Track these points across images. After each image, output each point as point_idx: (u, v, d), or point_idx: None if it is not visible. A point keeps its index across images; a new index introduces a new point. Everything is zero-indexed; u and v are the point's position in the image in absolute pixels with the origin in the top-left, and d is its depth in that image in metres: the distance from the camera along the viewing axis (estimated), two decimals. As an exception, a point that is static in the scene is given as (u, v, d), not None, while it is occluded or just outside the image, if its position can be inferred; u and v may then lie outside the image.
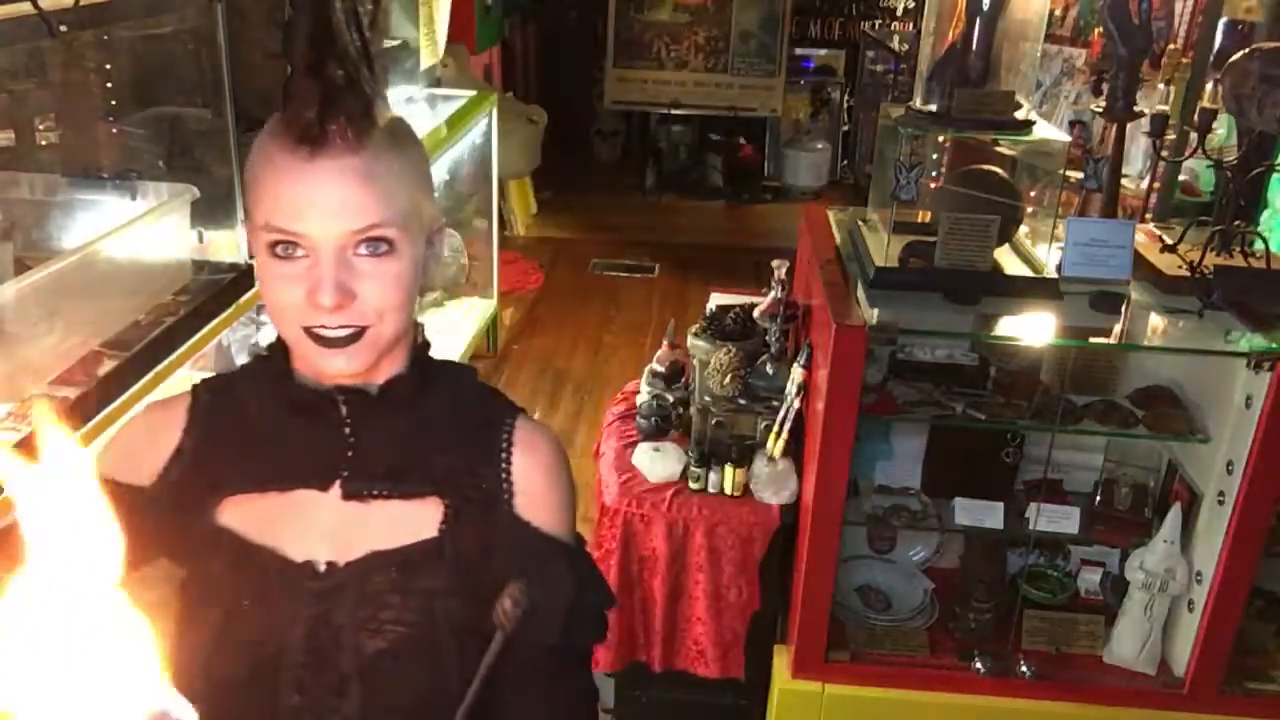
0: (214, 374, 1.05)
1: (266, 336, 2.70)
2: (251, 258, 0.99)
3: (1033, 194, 2.36)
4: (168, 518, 0.95)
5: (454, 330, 4.17)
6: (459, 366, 1.04)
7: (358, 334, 0.88)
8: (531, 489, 0.98)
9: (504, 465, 0.97)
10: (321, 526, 0.93)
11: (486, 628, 0.87)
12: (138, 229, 1.78)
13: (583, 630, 1.00)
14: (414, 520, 0.94)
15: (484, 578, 0.93)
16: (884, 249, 2.18)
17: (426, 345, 1.00)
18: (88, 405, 1.57)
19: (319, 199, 0.84)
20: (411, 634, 0.92)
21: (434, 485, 0.95)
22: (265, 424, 0.96)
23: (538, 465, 0.99)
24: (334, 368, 0.89)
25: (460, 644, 0.93)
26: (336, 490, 0.94)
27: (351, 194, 0.85)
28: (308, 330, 0.87)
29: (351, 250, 0.86)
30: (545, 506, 0.98)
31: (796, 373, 2.28)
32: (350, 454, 0.94)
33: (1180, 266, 2.14)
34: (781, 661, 2.27)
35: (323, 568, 0.93)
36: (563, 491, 1.01)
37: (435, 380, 0.99)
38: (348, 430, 0.94)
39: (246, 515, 0.94)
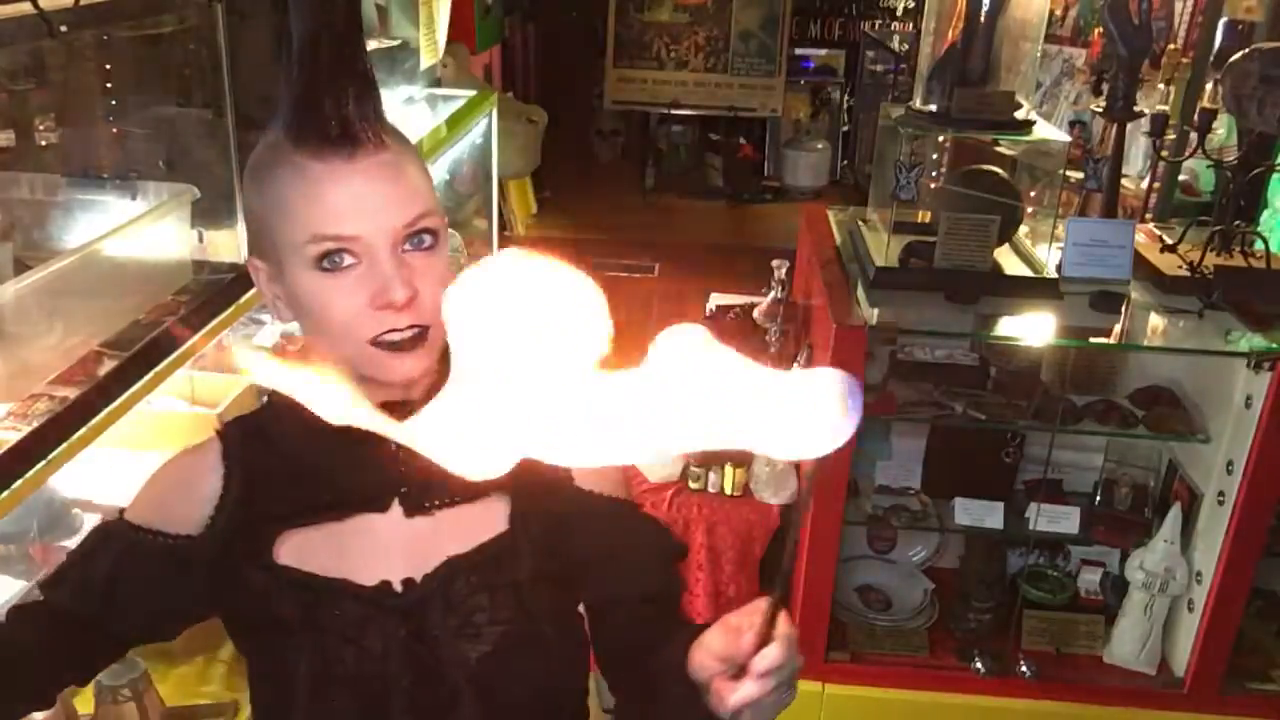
0: (235, 419, 1.01)
1: (270, 337, 2.70)
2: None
3: (1033, 194, 2.36)
4: (223, 566, 0.93)
5: (454, 330, 4.16)
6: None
7: (422, 334, 0.85)
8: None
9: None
10: (389, 547, 0.91)
11: (587, 605, 0.95)
12: (138, 229, 1.78)
13: (676, 573, 1.05)
14: (482, 519, 0.94)
15: (564, 559, 0.95)
16: (884, 249, 2.18)
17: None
18: (88, 405, 1.57)
19: (368, 198, 0.82)
20: (511, 630, 0.92)
21: (494, 481, 0.94)
22: (309, 455, 0.92)
23: None
24: (402, 372, 0.85)
25: (559, 629, 0.95)
26: (397, 509, 0.92)
27: (395, 188, 0.83)
28: (375, 340, 0.83)
29: (401, 247, 0.84)
30: (602, 473, 1.00)
31: (796, 373, 2.28)
32: (403, 470, 0.91)
33: (1180, 266, 2.14)
34: (781, 661, 2.27)
35: (399, 587, 0.91)
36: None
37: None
38: (395, 446, 0.89)
39: (306, 550, 0.92)
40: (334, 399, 0.84)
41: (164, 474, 1.00)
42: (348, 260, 0.82)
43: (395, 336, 0.83)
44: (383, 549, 0.91)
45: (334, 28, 0.81)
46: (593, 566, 0.98)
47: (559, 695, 0.97)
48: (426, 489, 0.92)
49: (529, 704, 0.94)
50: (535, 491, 0.95)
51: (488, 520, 0.94)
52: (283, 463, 0.94)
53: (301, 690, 0.88)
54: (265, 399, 1.00)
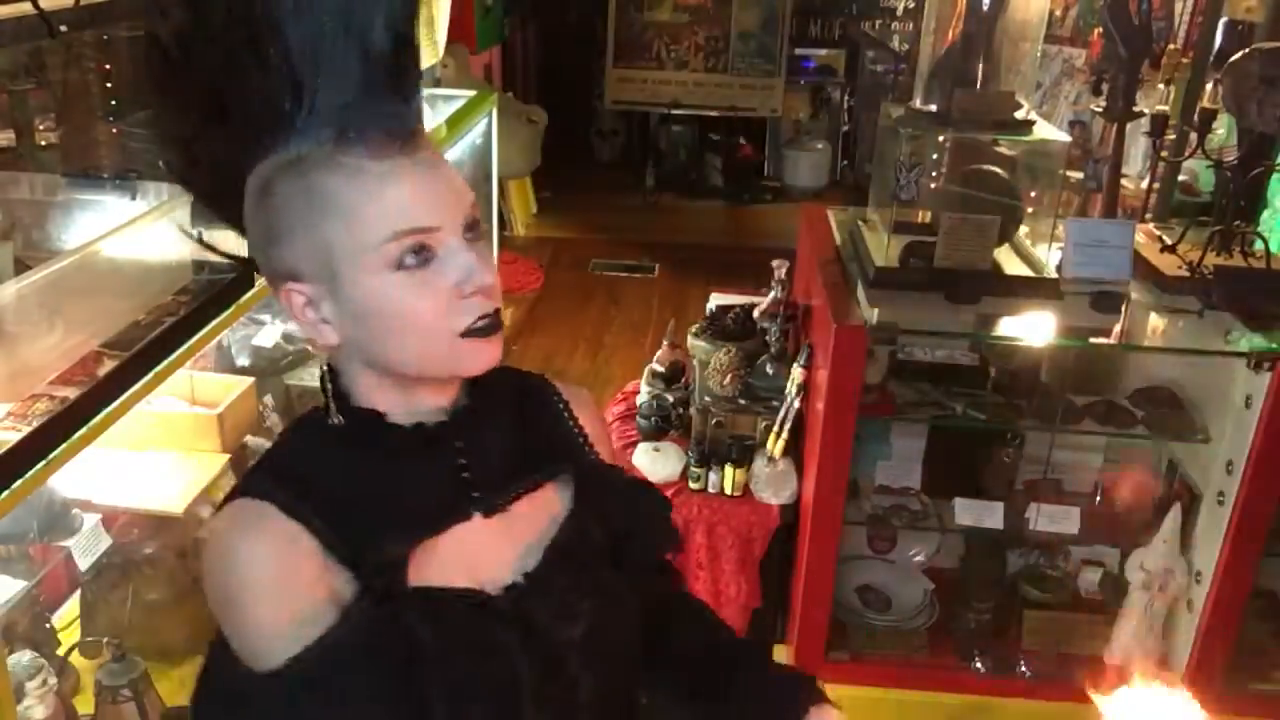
0: (250, 475, 0.89)
1: (270, 337, 2.70)
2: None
3: (1033, 194, 2.36)
4: (368, 621, 0.82)
5: (454, 330, 4.17)
6: None
7: (498, 320, 0.84)
8: (596, 434, 1.03)
9: (573, 424, 1.01)
10: (480, 552, 0.90)
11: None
12: (138, 229, 1.78)
13: (676, 535, 1.10)
14: (547, 502, 0.95)
15: (607, 529, 0.98)
16: (884, 249, 2.18)
17: None
18: (88, 405, 1.57)
19: (437, 188, 0.81)
20: (598, 601, 0.93)
21: (548, 464, 0.96)
22: (366, 484, 0.86)
23: (591, 413, 1.04)
24: (489, 358, 0.84)
25: (626, 586, 0.97)
26: (476, 515, 0.90)
27: (453, 176, 0.83)
28: (468, 330, 0.82)
29: (465, 236, 0.83)
30: (606, 444, 1.04)
31: (796, 373, 2.28)
32: (467, 474, 0.90)
33: (1180, 266, 2.14)
34: (782, 661, 2.27)
35: (505, 590, 0.89)
36: (607, 428, 1.08)
37: (479, 376, 0.93)
38: (456, 454, 0.89)
39: (422, 568, 0.86)
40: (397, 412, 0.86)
41: (252, 573, 0.81)
42: (425, 256, 0.80)
43: (483, 323, 0.82)
44: (477, 556, 0.90)
45: (394, 19, 0.80)
46: (621, 535, 1.00)
47: (639, 641, 1.01)
48: (495, 488, 0.91)
49: (628, 665, 0.98)
50: (579, 467, 0.98)
51: (552, 502, 0.96)
52: (347, 498, 0.85)
53: (438, 714, 0.82)
54: (287, 431, 0.92)
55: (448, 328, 0.82)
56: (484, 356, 0.84)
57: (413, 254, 0.80)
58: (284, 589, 0.81)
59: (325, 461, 0.88)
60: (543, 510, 0.95)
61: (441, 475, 0.89)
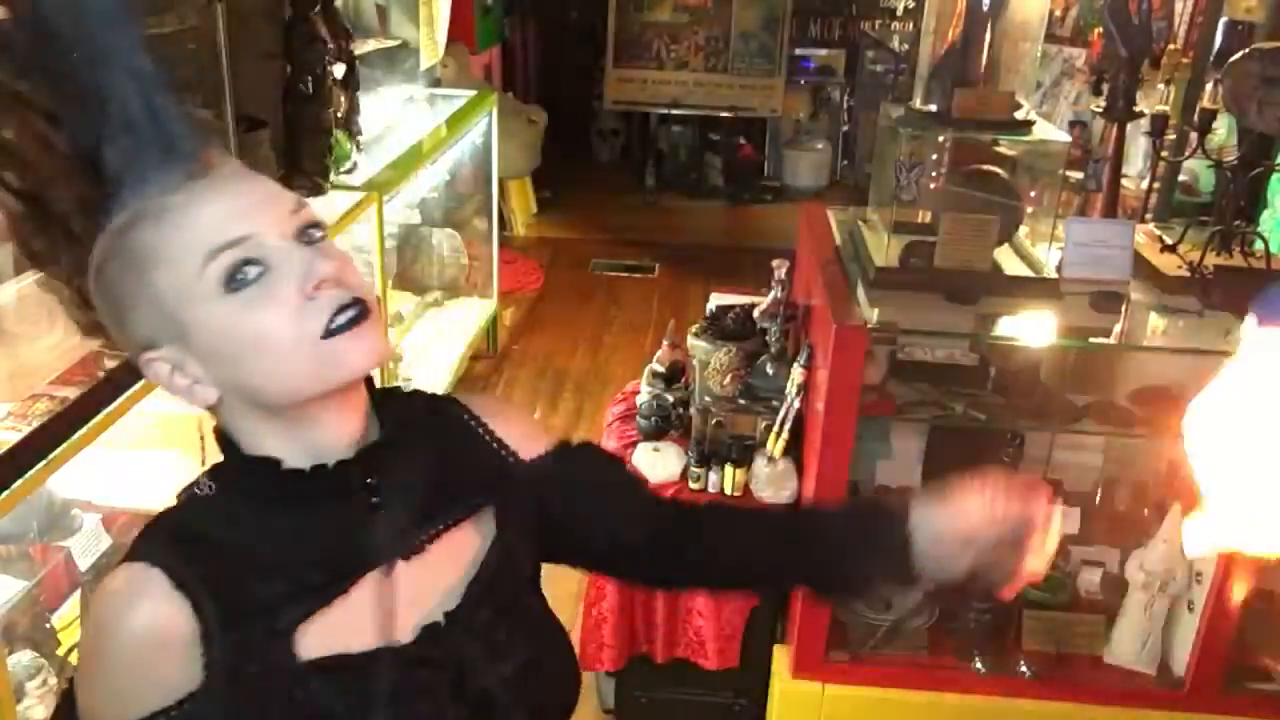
0: (147, 535, 0.84)
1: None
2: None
3: (1033, 194, 2.36)
4: (245, 700, 0.80)
5: (454, 330, 4.17)
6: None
7: (364, 308, 0.78)
8: (519, 434, 0.99)
9: (490, 440, 0.97)
10: (401, 597, 0.85)
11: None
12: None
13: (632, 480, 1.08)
14: (471, 535, 0.91)
15: (549, 532, 0.96)
16: (884, 249, 2.18)
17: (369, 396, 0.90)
18: (88, 405, 1.57)
19: (242, 198, 0.78)
20: (527, 634, 0.91)
21: (467, 497, 0.92)
22: (274, 539, 0.82)
23: (508, 415, 1.00)
24: (363, 355, 0.78)
25: (549, 611, 0.96)
26: (391, 558, 0.85)
27: (262, 184, 0.80)
28: (329, 330, 0.76)
29: (299, 239, 0.79)
30: (535, 437, 1.00)
31: (796, 373, 2.28)
32: (384, 513, 0.85)
33: (1180, 266, 2.14)
34: (781, 661, 2.27)
35: (429, 634, 0.86)
36: (531, 420, 1.05)
37: (385, 405, 0.90)
38: (367, 492, 0.84)
39: (328, 635, 0.82)
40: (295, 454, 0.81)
41: (114, 645, 0.79)
42: (255, 270, 0.75)
43: (343, 316, 0.77)
44: (399, 601, 0.85)
45: (132, 65, 0.76)
46: (579, 519, 0.99)
47: (576, 674, 0.98)
48: (413, 526, 0.87)
49: (564, 693, 0.95)
50: (510, 485, 0.95)
51: (476, 535, 0.91)
52: (248, 559, 0.81)
53: None
54: (182, 495, 0.86)
55: (305, 334, 0.76)
56: (356, 352, 0.78)
57: (240, 270, 0.75)
58: (145, 670, 0.78)
59: (223, 519, 0.83)
60: (464, 544, 0.90)
61: (351, 520, 0.84)
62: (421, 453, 0.89)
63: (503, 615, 0.89)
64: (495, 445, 0.97)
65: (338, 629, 0.82)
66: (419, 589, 0.86)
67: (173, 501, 0.86)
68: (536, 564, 0.98)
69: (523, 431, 0.99)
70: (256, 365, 0.77)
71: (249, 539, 0.82)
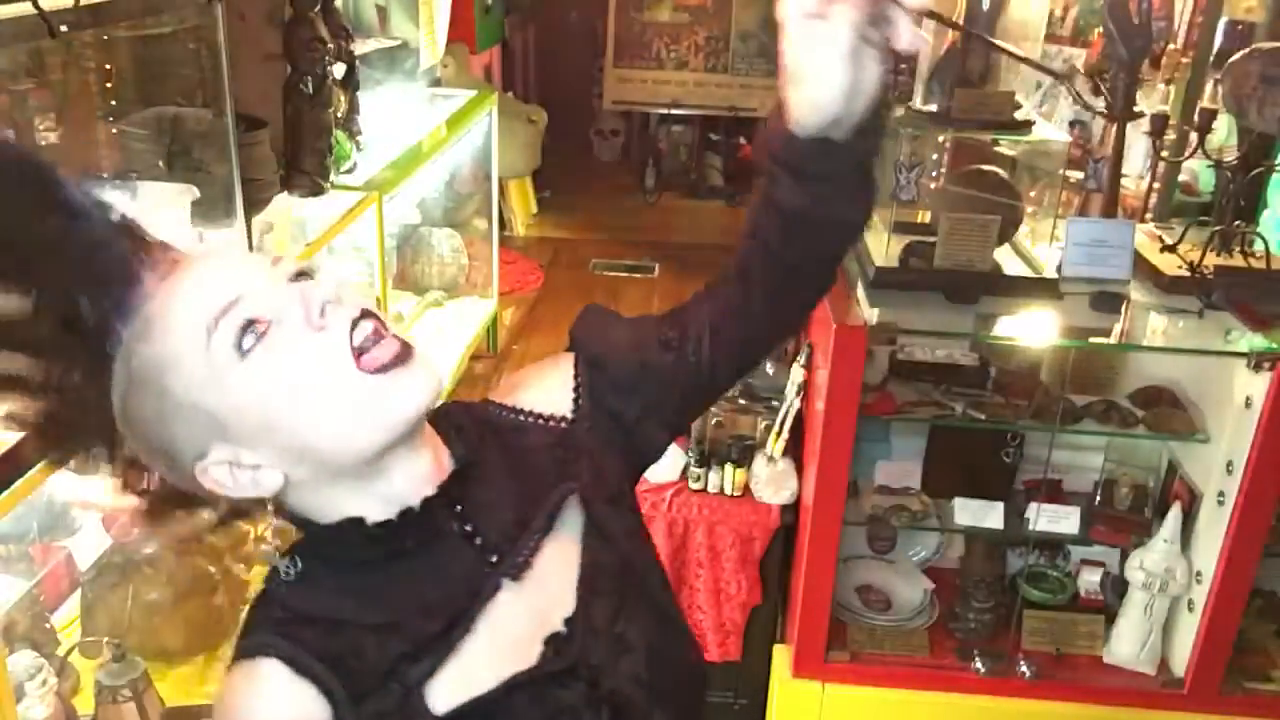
0: (251, 630, 0.80)
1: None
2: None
3: (1033, 194, 2.36)
4: None
5: (454, 330, 4.17)
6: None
7: (405, 346, 0.74)
8: (547, 396, 0.93)
9: (532, 419, 0.92)
10: (520, 618, 0.82)
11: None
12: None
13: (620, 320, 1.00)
14: (566, 531, 0.87)
15: (627, 435, 0.92)
16: (884, 249, 2.18)
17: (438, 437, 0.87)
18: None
19: (216, 271, 0.75)
20: (645, 617, 0.87)
21: (546, 493, 0.86)
22: (388, 596, 0.79)
23: (528, 386, 0.95)
24: (416, 390, 0.75)
25: (663, 580, 0.93)
26: (501, 584, 0.82)
27: (234, 250, 0.81)
28: (359, 354, 0.73)
29: (289, 283, 0.76)
30: (558, 382, 0.94)
31: (796, 373, 2.28)
32: (479, 542, 0.81)
33: (1180, 266, 2.14)
34: (781, 661, 2.27)
35: (557, 649, 0.82)
36: (540, 370, 0.97)
37: (441, 427, 0.86)
38: (456, 525, 0.81)
39: (460, 682, 0.79)
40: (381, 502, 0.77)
41: None
42: (259, 328, 0.72)
43: (380, 350, 0.73)
44: (520, 624, 0.81)
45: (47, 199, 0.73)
46: (641, 403, 0.93)
47: (698, 654, 0.93)
48: (510, 544, 0.83)
49: (692, 679, 0.92)
50: (574, 452, 0.90)
51: (568, 525, 0.87)
52: (360, 627, 0.78)
53: None
54: (268, 582, 0.82)
55: (336, 364, 0.73)
56: (405, 390, 0.74)
57: (244, 332, 0.72)
58: None
59: (323, 593, 0.79)
60: (563, 544, 0.86)
61: (450, 557, 0.81)
62: (493, 467, 0.85)
63: (618, 606, 0.85)
64: (539, 422, 0.92)
65: (467, 671, 0.79)
66: (534, 605, 0.83)
67: (260, 590, 0.82)
68: (634, 503, 0.93)
69: (545, 389, 0.94)
70: (302, 420, 0.73)
71: (354, 605, 0.78)
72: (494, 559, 0.82)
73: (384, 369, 0.73)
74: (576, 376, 0.93)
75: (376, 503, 0.78)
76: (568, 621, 0.83)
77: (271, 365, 0.72)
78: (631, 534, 0.92)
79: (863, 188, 0.84)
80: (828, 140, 0.79)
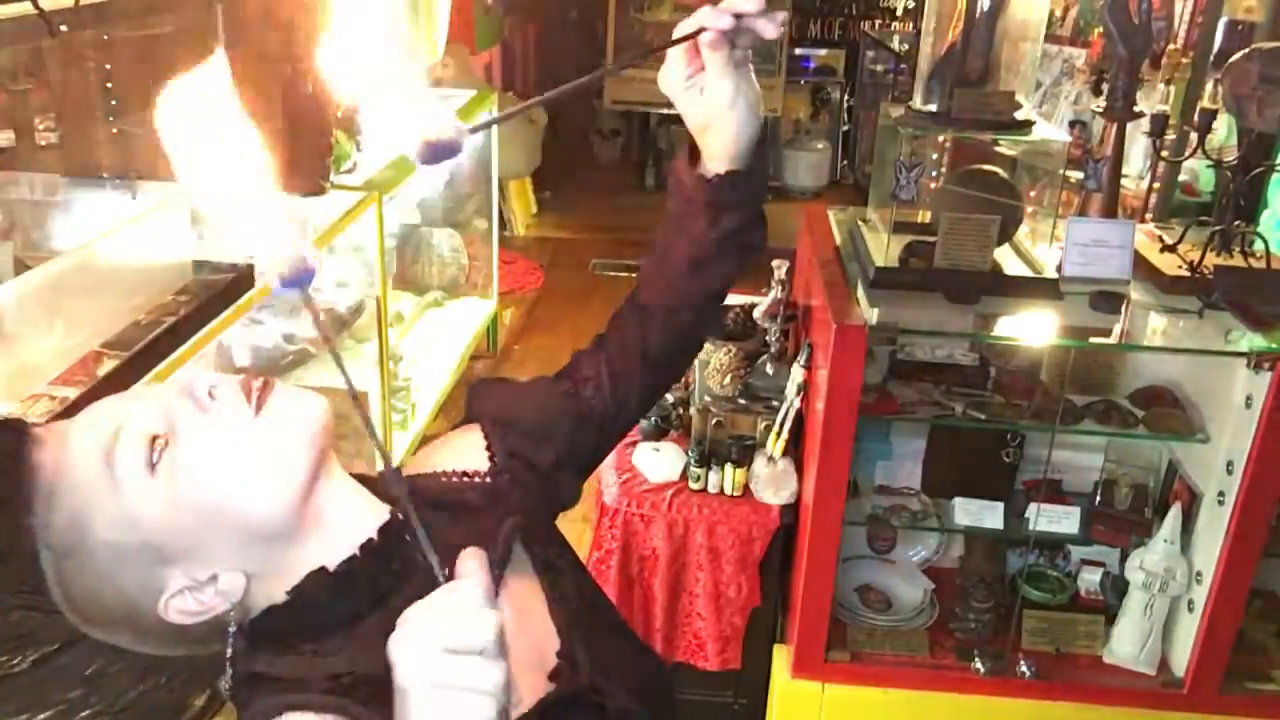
0: (257, 699, 0.75)
1: (270, 336, 2.70)
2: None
3: (1033, 194, 2.36)
4: None
5: (454, 330, 4.17)
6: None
7: (258, 380, 0.75)
8: (464, 456, 0.94)
9: (458, 478, 0.92)
10: (523, 655, 0.78)
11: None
12: (138, 229, 1.78)
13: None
14: (518, 573, 0.86)
15: (546, 482, 0.95)
16: (884, 249, 2.18)
17: None
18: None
19: (90, 416, 0.75)
20: (616, 634, 0.91)
21: (498, 532, 0.84)
22: (374, 635, 0.73)
23: (446, 452, 0.95)
24: (305, 402, 0.75)
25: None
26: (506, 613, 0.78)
27: (109, 398, 0.77)
28: (258, 409, 0.73)
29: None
30: (470, 443, 0.95)
31: (796, 373, 2.28)
32: (449, 572, 0.76)
33: (1180, 266, 2.14)
34: (781, 661, 2.27)
35: (565, 679, 0.82)
36: (452, 436, 0.98)
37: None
38: (422, 557, 0.75)
39: None
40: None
41: None
42: (160, 441, 0.72)
43: (266, 394, 0.74)
44: (521, 656, 0.76)
45: None
46: (554, 450, 0.96)
47: (654, 654, 1.01)
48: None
49: (661, 681, 0.95)
50: (502, 504, 0.90)
51: (518, 562, 0.87)
52: (370, 681, 0.72)
53: None
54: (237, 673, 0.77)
55: (236, 423, 0.72)
56: (303, 413, 0.74)
57: (143, 449, 0.71)
58: None
59: (311, 636, 0.77)
60: (525, 580, 0.87)
61: (430, 588, 0.74)
62: (432, 515, 0.82)
63: (589, 631, 0.86)
64: (462, 479, 0.91)
65: None
66: (532, 638, 0.83)
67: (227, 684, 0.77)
68: (563, 538, 0.96)
69: (456, 452, 0.94)
70: (227, 495, 0.72)
71: (355, 660, 0.75)
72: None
73: (270, 402, 0.73)
74: (486, 436, 0.95)
75: (335, 548, 0.77)
76: (559, 653, 0.83)
77: (182, 463, 0.71)
78: (574, 564, 0.95)
79: (763, 216, 0.96)
80: (735, 173, 0.91)
